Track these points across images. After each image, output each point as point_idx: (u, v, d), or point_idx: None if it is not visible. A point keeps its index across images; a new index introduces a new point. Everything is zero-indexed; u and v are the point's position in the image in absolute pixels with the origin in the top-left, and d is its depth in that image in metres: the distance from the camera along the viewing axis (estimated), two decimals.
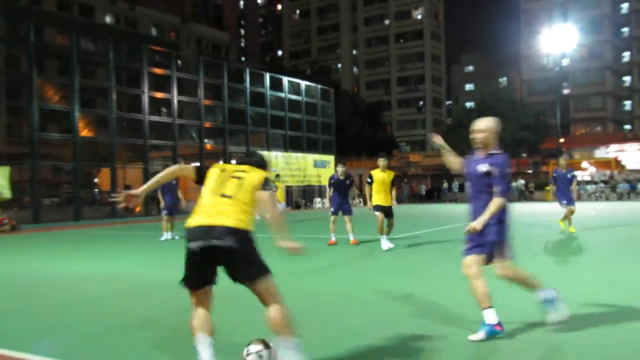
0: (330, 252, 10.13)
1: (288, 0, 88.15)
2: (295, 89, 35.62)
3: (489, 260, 4.23)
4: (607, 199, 33.80)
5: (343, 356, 3.84)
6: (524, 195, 37.93)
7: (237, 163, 3.81)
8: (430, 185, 48.49)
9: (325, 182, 28.29)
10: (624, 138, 53.69)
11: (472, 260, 4.21)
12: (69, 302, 6.10)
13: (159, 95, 28.03)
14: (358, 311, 5.27)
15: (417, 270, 8.02)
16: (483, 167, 4.25)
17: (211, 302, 3.47)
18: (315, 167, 34.89)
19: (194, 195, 26.31)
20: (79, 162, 23.90)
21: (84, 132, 25.05)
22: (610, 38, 62.55)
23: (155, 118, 27.91)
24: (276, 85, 34.06)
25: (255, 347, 3.37)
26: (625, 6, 63.99)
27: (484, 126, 4.32)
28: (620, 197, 33.79)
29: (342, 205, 11.25)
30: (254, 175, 3.58)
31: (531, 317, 4.54)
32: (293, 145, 34.09)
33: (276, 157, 30.78)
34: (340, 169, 11.27)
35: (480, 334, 4.04)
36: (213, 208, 3.39)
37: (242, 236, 3.29)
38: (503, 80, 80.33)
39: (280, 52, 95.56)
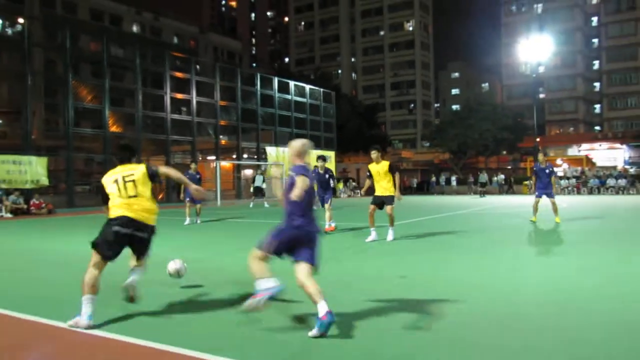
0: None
1: (294, 13, 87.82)
2: (300, 92, 35.54)
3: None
4: (579, 193, 33.68)
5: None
6: (503, 189, 37.88)
7: (120, 163, 4.43)
8: (420, 179, 48.37)
9: None
10: (594, 138, 53.49)
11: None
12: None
13: (180, 96, 28.03)
14: (346, 290, 5.25)
15: (395, 255, 7.96)
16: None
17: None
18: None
19: (211, 185, 26.38)
20: (109, 155, 23.93)
21: (113, 128, 25.03)
22: (581, 48, 62.25)
23: (176, 116, 27.91)
24: (283, 88, 34.02)
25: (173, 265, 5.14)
26: (595, 19, 63.72)
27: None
28: (590, 192, 33.65)
29: (322, 197, 11.01)
30: (138, 172, 4.29)
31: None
32: None
33: (283, 152, 30.75)
34: (320, 163, 11.02)
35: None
36: (130, 206, 4.17)
37: (151, 229, 4.28)
38: (485, 85, 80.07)
39: (287, 59, 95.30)
